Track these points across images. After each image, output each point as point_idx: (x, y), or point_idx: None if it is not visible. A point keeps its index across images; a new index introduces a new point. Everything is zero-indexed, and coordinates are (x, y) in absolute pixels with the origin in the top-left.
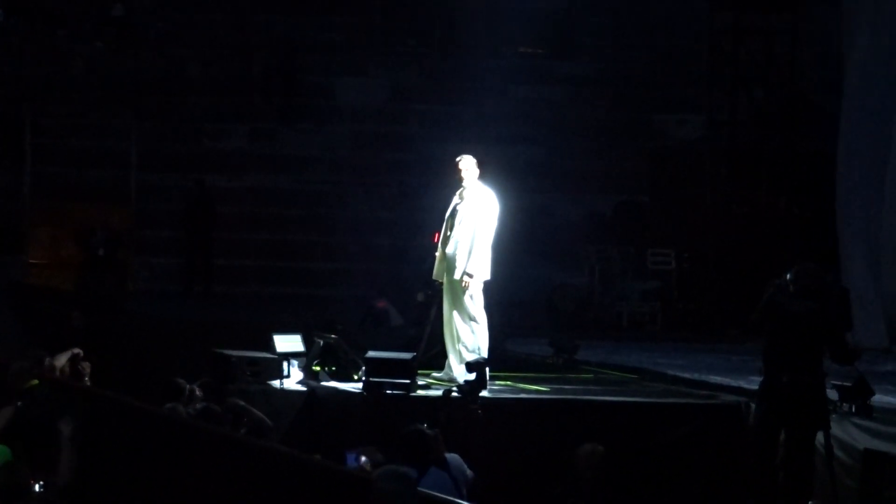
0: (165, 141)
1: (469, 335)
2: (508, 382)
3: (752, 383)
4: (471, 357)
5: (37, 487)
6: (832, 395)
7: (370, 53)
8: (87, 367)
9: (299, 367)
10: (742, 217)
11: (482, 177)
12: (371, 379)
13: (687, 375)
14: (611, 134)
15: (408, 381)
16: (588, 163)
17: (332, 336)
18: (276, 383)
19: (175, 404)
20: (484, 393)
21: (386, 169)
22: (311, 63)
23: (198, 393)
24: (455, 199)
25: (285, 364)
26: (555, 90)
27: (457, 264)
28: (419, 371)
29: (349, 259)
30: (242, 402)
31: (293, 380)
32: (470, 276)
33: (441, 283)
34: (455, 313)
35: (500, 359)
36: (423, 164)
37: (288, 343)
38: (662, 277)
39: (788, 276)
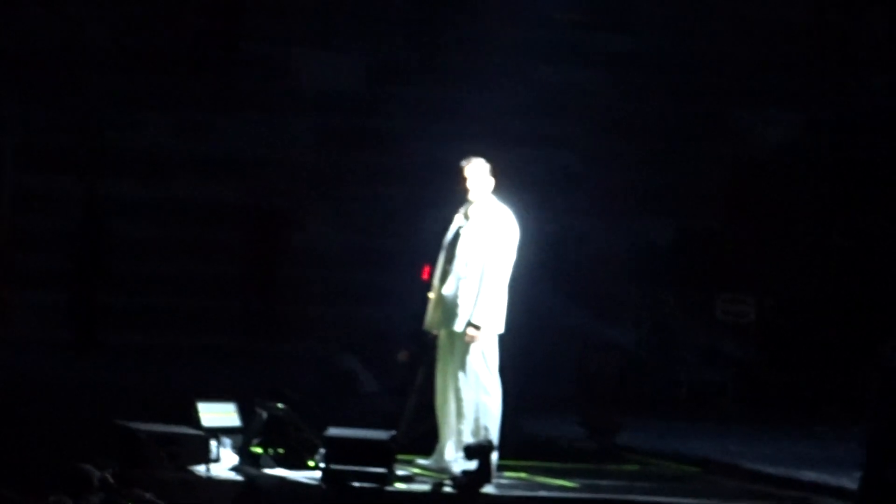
0: (53, 132)
1: (473, 409)
2: (523, 475)
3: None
4: (472, 439)
5: None
6: None
7: (340, 16)
8: None
9: (233, 447)
10: (849, 252)
11: (496, 190)
12: (333, 466)
13: (771, 470)
14: (671, 135)
15: (383, 471)
16: (638, 174)
17: (280, 406)
18: (200, 469)
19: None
20: (489, 489)
21: (361, 177)
22: (260, 29)
23: (111, 481)
24: (457, 221)
25: (213, 443)
26: (595, 73)
27: (458, 311)
28: (400, 457)
29: (307, 300)
30: (150, 496)
31: (224, 465)
32: (477, 327)
33: (435, 336)
34: (454, 378)
35: (512, 442)
36: (413, 172)
37: (218, 415)
38: (738, 333)
39: None
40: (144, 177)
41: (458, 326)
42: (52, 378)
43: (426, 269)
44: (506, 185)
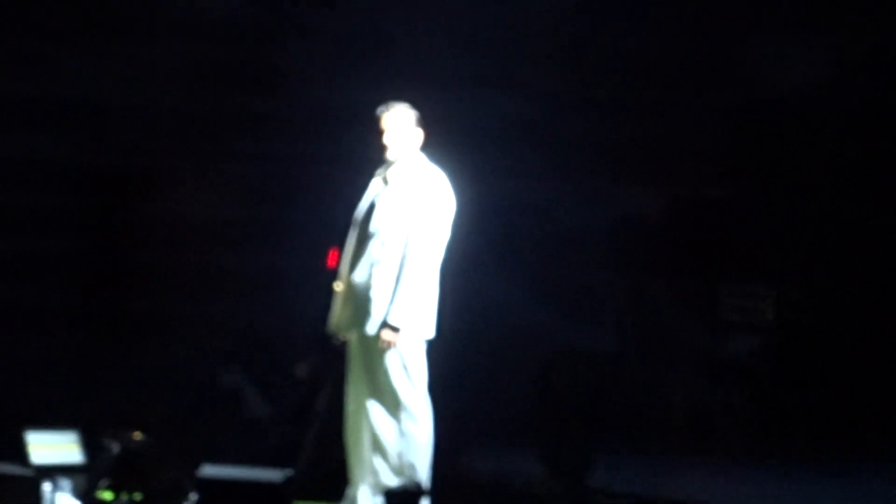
0: None
1: (394, 438)
2: None
3: None
4: (396, 480)
5: None
6: None
7: None
8: None
9: (73, 491)
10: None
11: (425, 146)
12: None
13: None
14: (659, 76)
15: None
16: (616, 126)
17: (138, 436)
18: None
19: None
20: None
21: (245, 128)
22: None
23: None
24: (373, 187)
25: (47, 486)
26: None
27: (372, 308)
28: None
29: (171, 293)
30: None
31: None
32: (395, 329)
33: (344, 342)
34: (370, 399)
35: (450, 483)
36: (316, 122)
37: (53, 448)
38: (749, 337)
39: None
40: None
41: (371, 328)
42: None
43: (333, 253)
44: (439, 140)
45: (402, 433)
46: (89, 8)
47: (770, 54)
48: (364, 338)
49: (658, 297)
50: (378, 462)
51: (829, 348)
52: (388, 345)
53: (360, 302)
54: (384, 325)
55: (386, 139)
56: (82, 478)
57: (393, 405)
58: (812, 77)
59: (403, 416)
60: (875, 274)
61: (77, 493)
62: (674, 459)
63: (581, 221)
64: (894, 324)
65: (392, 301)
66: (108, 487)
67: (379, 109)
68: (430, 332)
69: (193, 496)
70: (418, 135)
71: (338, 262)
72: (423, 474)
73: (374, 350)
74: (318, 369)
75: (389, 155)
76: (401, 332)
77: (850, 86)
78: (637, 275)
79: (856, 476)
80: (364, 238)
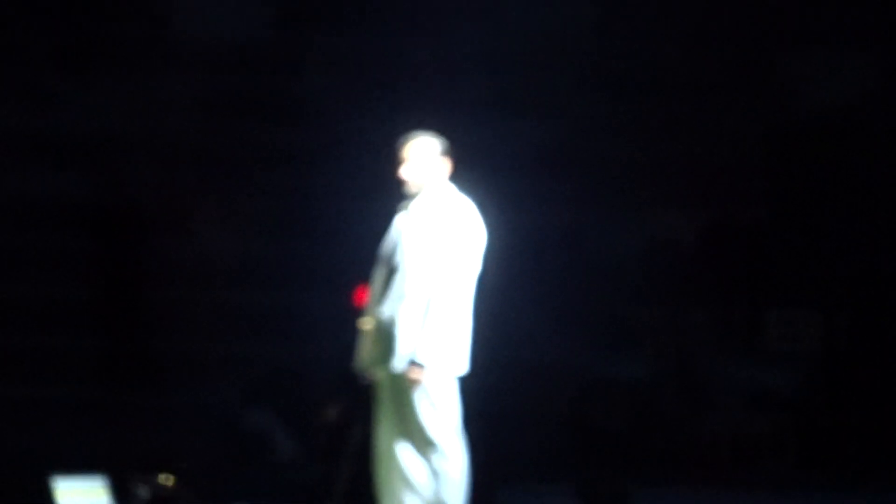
0: None
1: (425, 477)
2: None
3: None
4: None
5: None
6: None
7: None
8: None
9: None
10: None
11: (452, 177)
12: None
13: None
14: (691, 94)
15: None
16: (648, 148)
17: (168, 479)
18: None
19: None
20: None
21: (263, 160)
22: None
23: None
24: (399, 221)
25: None
26: (585, 11)
27: (398, 345)
28: None
29: (195, 332)
30: None
31: None
32: (422, 367)
33: (373, 380)
34: (400, 437)
35: None
36: (338, 152)
37: (81, 494)
38: (797, 366)
39: None
40: None
41: (399, 365)
42: None
43: (360, 291)
44: (467, 168)
45: (434, 472)
46: (107, 42)
47: (806, 71)
48: (392, 375)
49: (697, 326)
50: (410, 501)
51: (879, 374)
52: (416, 381)
53: (386, 339)
54: (411, 362)
55: (405, 171)
56: None
57: (423, 444)
58: (852, 93)
59: (434, 454)
60: None
61: None
62: (717, 492)
63: (614, 249)
64: None
65: (419, 338)
66: None
67: (401, 140)
68: (462, 369)
69: None
70: (444, 165)
71: (365, 300)
72: None
73: (402, 388)
74: (346, 408)
75: (411, 187)
76: (427, 368)
77: (892, 100)
78: (674, 304)
79: None
80: (390, 274)
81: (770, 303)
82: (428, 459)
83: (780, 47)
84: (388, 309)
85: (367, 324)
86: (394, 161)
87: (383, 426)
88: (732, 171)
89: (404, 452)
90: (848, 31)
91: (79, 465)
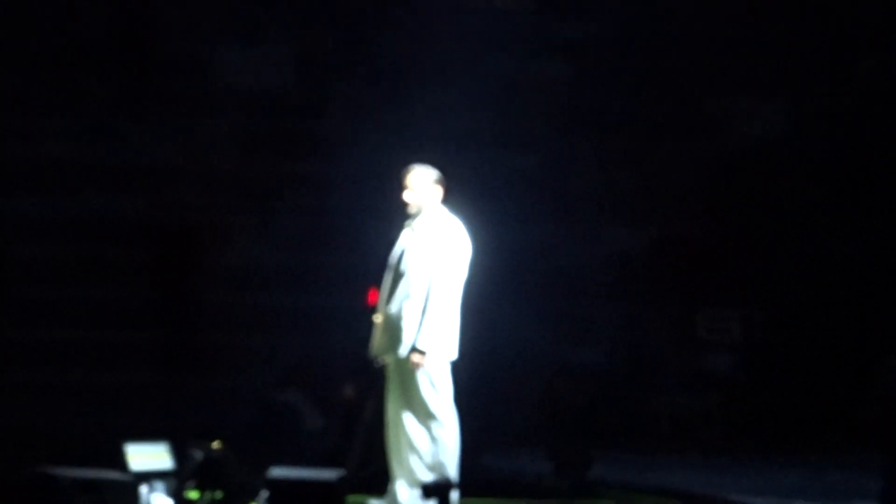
0: None
1: (426, 443)
2: None
3: None
4: (429, 477)
5: None
6: None
7: (266, 7)
8: None
9: (166, 492)
10: (847, 260)
11: (445, 200)
12: None
13: (759, 502)
14: (641, 132)
15: None
16: (606, 176)
17: (217, 445)
18: None
19: None
20: None
21: (292, 187)
22: (176, 23)
23: None
24: (403, 236)
25: (144, 488)
26: (553, 64)
27: (403, 335)
28: (350, 498)
29: (237, 328)
30: None
31: None
32: (422, 352)
33: (383, 364)
34: (405, 411)
35: (473, 479)
36: (353, 181)
37: (147, 457)
38: (724, 354)
39: None
40: (48, 191)
41: (403, 352)
42: None
43: (372, 292)
44: (457, 193)
45: (433, 438)
46: (162, 90)
47: (732, 113)
48: (398, 360)
49: (644, 321)
50: (414, 462)
51: (789, 360)
52: (417, 365)
53: (393, 330)
54: (413, 349)
55: (408, 195)
56: (172, 481)
57: (424, 415)
58: (773, 126)
59: (433, 424)
60: (827, 297)
61: (168, 494)
62: (661, 457)
63: (578, 259)
64: (845, 342)
65: (419, 329)
66: (194, 488)
67: (405, 170)
68: (454, 354)
69: (264, 493)
70: (438, 191)
71: (376, 299)
72: (452, 471)
73: (407, 370)
74: (362, 388)
75: (412, 208)
76: (427, 354)
77: (806, 133)
78: (626, 304)
79: (812, 464)
80: (396, 277)
81: (702, 302)
82: (428, 428)
83: (711, 95)
84: (394, 306)
85: (377, 319)
86: (398, 187)
87: (391, 401)
88: (673, 196)
89: (409, 422)
90: (763, 81)
91: (146, 434)
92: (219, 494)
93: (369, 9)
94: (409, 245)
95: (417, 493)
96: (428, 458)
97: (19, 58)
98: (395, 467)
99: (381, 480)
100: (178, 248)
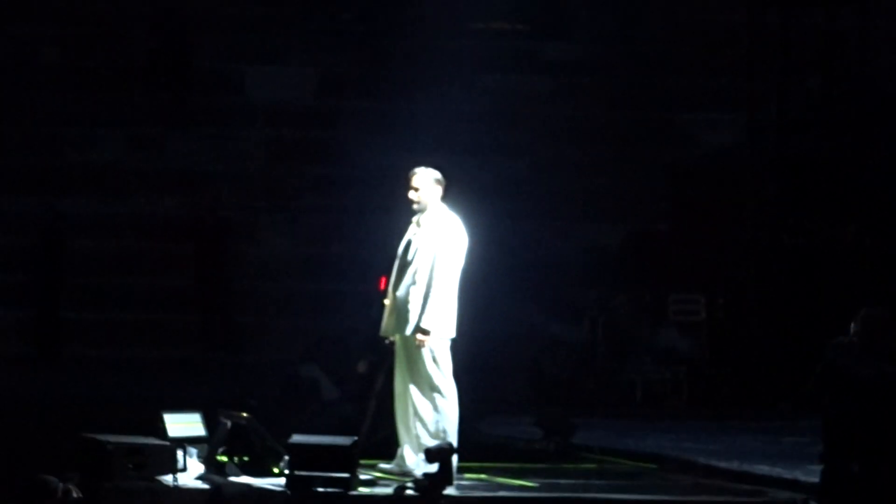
0: (11, 151)
1: (430, 412)
2: (483, 476)
3: (812, 474)
4: (432, 442)
5: None
6: None
7: (290, 32)
8: None
9: (199, 456)
10: (796, 251)
11: (446, 198)
12: (297, 472)
13: (724, 465)
14: (616, 141)
15: (346, 476)
16: (586, 179)
17: (244, 415)
18: (167, 479)
19: None
20: (450, 490)
21: (312, 188)
22: (211, 45)
23: (74, 494)
24: (410, 230)
25: (180, 453)
26: (541, 80)
27: (409, 317)
28: (362, 461)
29: (264, 311)
30: None
31: (191, 474)
32: (426, 332)
33: (391, 342)
34: (411, 384)
35: (471, 444)
36: (365, 182)
37: (183, 425)
38: (689, 333)
39: (853, 328)
40: (101, 193)
41: (409, 331)
42: (16, 392)
43: (383, 279)
44: (456, 193)
45: (436, 408)
46: (201, 104)
47: (694, 125)
48: (405, 339)
49: (620, 304)
50: (419, 429)
51: (747, 338)
52: (422, 343)
53: (400, 312)
54: (418, 328)
55: (413, 194)
56: (205, 446)
57: (428, 388)
58: (730, 136)
59: (436, 395)
60: (780, 283)
61: (201, 458)
62: (636, 423)
63: (562, 251)
64: (795, 322)
65: (423, 311)
66: (224, 453)
67: (411, 172)
68: (453, 333)
69: (286, 458)
70: (439, 190)
71: (386, 285)
72: (453, 437)
73: (413, 348)
74: (374, 363)
75: (416, 206)
76: (430, 333)
77: (758, 142)
78: (604, 289)
79: (768, 429)
80: (403, 266)
81: (670, 288)
82: (431, 399)
83: (676, 108)
84: (402, 292)
85: (387, 302)
86: (405, 187)
87: (399, 375)
88: (644, 196)
89: (415, 394)
90: (722, 97)
91: (184, 405)
92: (245, 459)
93: (379, 35)
94: (415, 238)
95: (422, 457)
96: (431, 426)
97: (76, 77)
98: (403, 434)
99: (389, 445)
100: (213, 242)
